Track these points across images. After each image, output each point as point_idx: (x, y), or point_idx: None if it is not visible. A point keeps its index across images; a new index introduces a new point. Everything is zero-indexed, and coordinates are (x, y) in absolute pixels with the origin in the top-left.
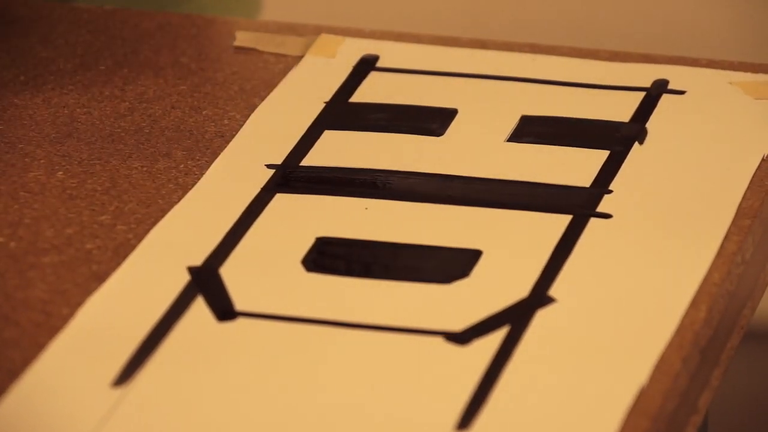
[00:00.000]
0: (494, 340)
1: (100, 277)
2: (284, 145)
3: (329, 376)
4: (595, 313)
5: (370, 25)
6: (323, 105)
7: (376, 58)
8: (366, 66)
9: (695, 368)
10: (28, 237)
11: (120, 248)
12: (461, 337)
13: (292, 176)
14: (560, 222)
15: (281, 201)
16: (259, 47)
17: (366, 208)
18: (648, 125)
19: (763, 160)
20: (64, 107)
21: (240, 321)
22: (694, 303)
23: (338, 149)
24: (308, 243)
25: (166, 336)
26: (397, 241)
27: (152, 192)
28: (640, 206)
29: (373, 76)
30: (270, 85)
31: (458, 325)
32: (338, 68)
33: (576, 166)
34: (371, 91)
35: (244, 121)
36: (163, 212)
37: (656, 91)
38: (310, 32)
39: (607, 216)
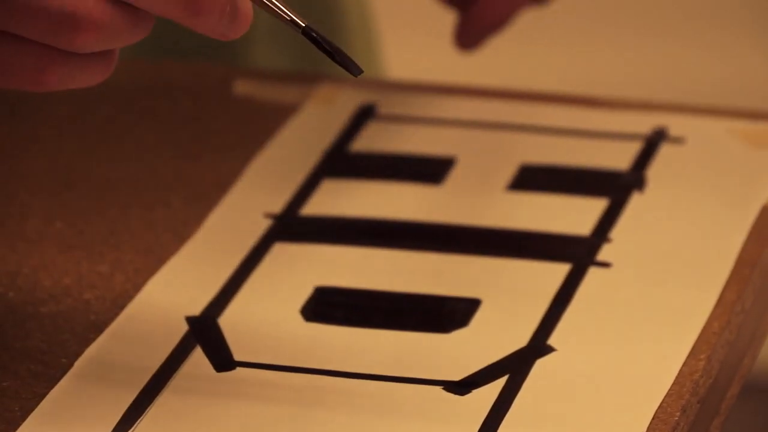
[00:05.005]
0: (493, 389)
1: (99, 327)
2: (283, 194)
3: (329, 426)
4: (594, 362)
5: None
6: (322, 154)
7: (375, 107)
8: (365, 114)
9: (694, 417)
10: (27, 287)
11: (118, 298)
12: (460, 387)
13: (291, 225)
14: (559, 271)
15: (280, 250)
16: (258, 95)
17: (365, 258)
18: (647, 173)
19: (762, 208)
20: (61, 155)
21: (239, 371)
22: (694, 352)
23: (337, 198)
24: (307, 292)
25: (164, 386)
26: (396, 290)
27: (151, 241)
28: (640, 255)
29: (372, 125)
30: (269, 134)
31: (457, 375)
32: (337, 117)
33: (575, 214)
34: (370, 139)
35: (243, 170)
36: (162, 262)
37: (655, 139)
38: (309, 81)
39: (606, 265)
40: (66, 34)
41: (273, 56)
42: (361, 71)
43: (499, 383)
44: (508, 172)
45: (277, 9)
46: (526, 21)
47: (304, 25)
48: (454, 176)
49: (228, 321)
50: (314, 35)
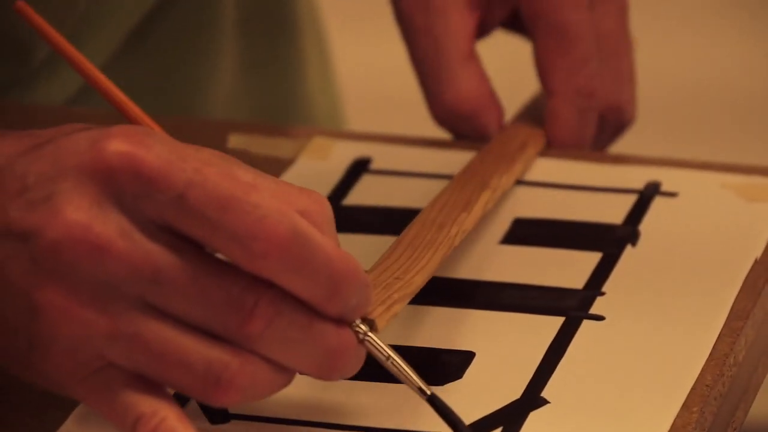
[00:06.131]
0: None
1: None
2: None
3: None
4: (587, 414)
5: (363, 127)
6: None
7: (368, 161)
8: (359, 168)
9: None
10: None
11: None
12: None
13: None
14: (553, 324)
15: None
16: (252, 149)
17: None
18: (641, 227)
19: (755, 262)
20: None
21: (234, 424)
22: (687, 404)
23: None
24: None
25: None
26: (391, 342)
27: None
28: (633, 308)
29: (365, 179)
30: None
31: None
32: (331, 171)
33: (569, 268)
34: (364, 193)
35: None
36: None
37: (649, 193)
38: (302, 135)
39: (599, 318)
40: (208, 394)
41: (230, 111)
42: None
43: None
44: (502, 225)
45: (407, 376)
46: (512, 64)
47: (429, 393)
48: None
49: None
50: (438, 404)
